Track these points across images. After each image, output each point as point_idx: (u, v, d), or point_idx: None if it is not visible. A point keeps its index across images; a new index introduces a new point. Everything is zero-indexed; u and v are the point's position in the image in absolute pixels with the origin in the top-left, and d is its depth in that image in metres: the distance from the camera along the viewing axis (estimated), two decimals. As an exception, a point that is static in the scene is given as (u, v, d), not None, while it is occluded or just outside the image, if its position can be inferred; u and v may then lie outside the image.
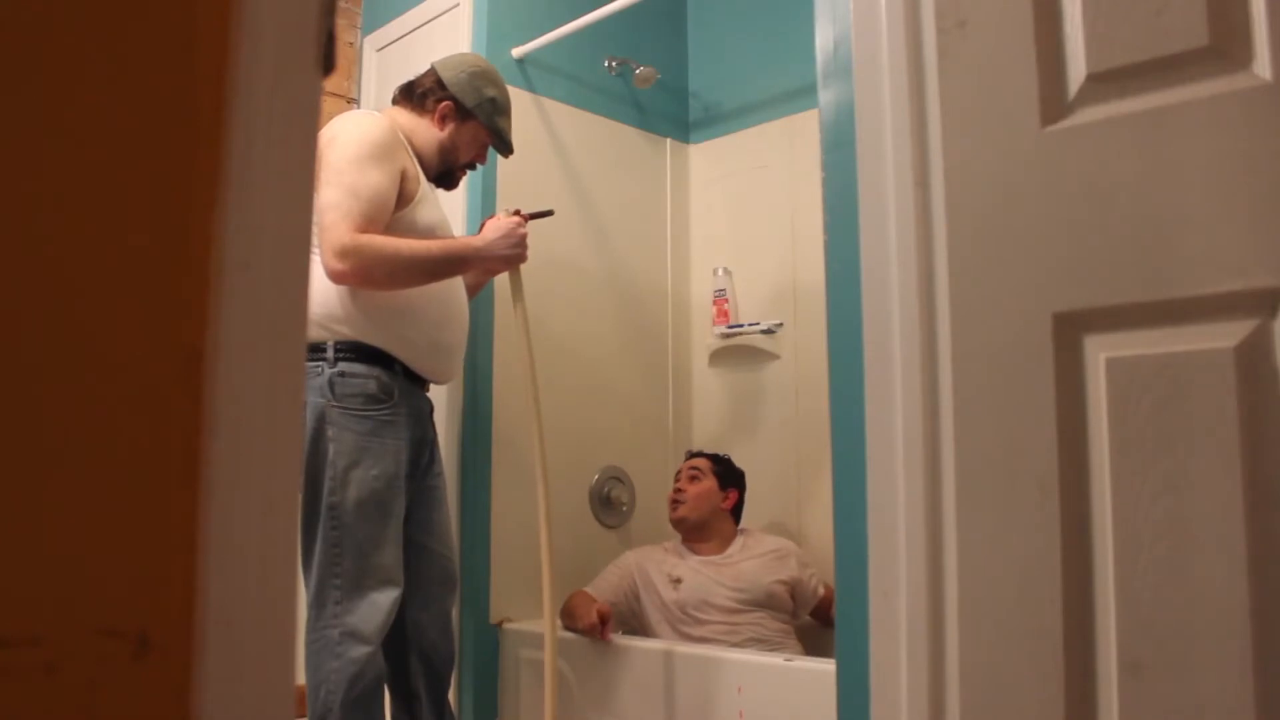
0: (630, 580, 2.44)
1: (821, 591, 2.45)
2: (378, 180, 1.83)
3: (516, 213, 2.12)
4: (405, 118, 2.05)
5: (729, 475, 2.58)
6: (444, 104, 2.03)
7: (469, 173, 2.16)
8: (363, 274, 1.79)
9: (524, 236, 1.97)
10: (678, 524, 2.51)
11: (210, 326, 0.35)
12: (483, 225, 2.10)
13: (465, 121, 2.03)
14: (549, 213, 2.22)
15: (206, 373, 0.35)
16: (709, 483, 2.53)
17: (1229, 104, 0.92)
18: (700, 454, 2.64)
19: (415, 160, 1.99)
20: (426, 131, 2.03)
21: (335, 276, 1.80)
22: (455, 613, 2.18)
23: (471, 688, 2.38)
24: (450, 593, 2.08)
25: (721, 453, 2.64)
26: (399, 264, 1.81)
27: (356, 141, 1.85)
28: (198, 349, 0.35)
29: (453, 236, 2.03)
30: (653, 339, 2.95)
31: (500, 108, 2.07)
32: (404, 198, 1.90)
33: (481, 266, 1.97)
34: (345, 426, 1.83)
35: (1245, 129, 0.91)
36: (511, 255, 1.96)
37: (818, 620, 2.48)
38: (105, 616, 0.32)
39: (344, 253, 1.76)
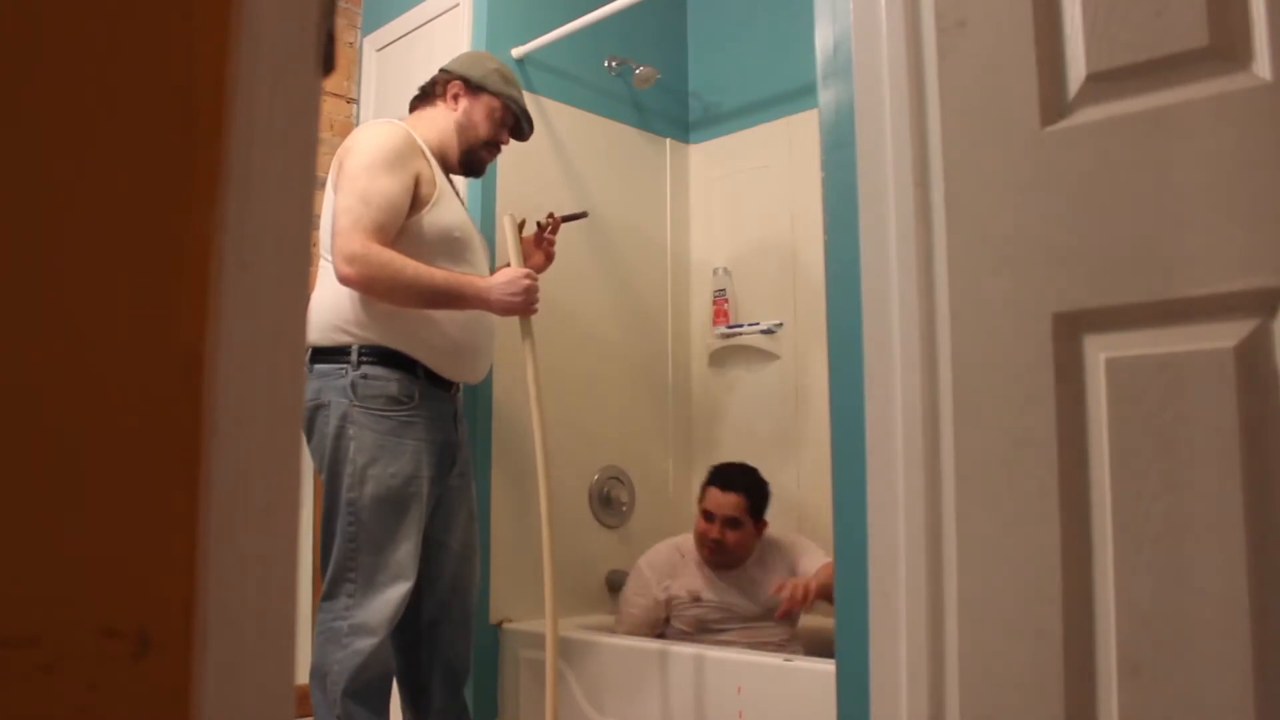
0: (659, 612, 2.38)
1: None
2: (389, 186, 1.90)
3: (550, 216, 2.25)
4: (422, 119, 2.11)
5: (759, 505, 2.40)
6: (452, 83, 2.10)
7: (493, 158, 2.17)
8: (366, 283, 1.87)
9: (527, 288, 1.98)
10: (711, 561, 2.36)
11: (210, 326, 0.35)
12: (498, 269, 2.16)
13: (476, 95, 2.09)
14: (583, 214, 2.34)
15: (206, 373, 0.35)
16: (747, 527, 2.36)
17: (1229, 104, 0.92)
18: (729, 480, 2.38)
19: (433, 163, 2.03)
20: (443, 119, 2.09)
21: (343, 280, 1.88)
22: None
23: (471, 687, 2.37)
24: (466, 593, 2.09)
25: (748, 464, 2.46)
26: (400, 283, 1.87)
27: (369, 150, 1.93)
28: (198, 349, 0.35)
29: (470, 241, 2.05)
30: (653, 339, 2.95)
31: (508, 79, 2.12)
32: (420, 201, 1.96)
33: (481, 308, 1.98)
34: (366, 426, 1.90)
35: (1245, 129, 0.91)
36: (510, 304, 1.97)
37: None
38: (105, 616, 0.32)
39: (352, 259, 1.85)
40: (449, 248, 1.98)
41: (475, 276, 1.97)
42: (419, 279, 1.88)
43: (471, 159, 2.12)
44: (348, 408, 1.90)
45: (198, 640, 0.34)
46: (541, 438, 2.08)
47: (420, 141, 2.04)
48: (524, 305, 2.00)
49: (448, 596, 2.06)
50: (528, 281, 1.99)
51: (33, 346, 0.32)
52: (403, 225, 1.93)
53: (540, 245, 2.25)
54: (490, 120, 2.10)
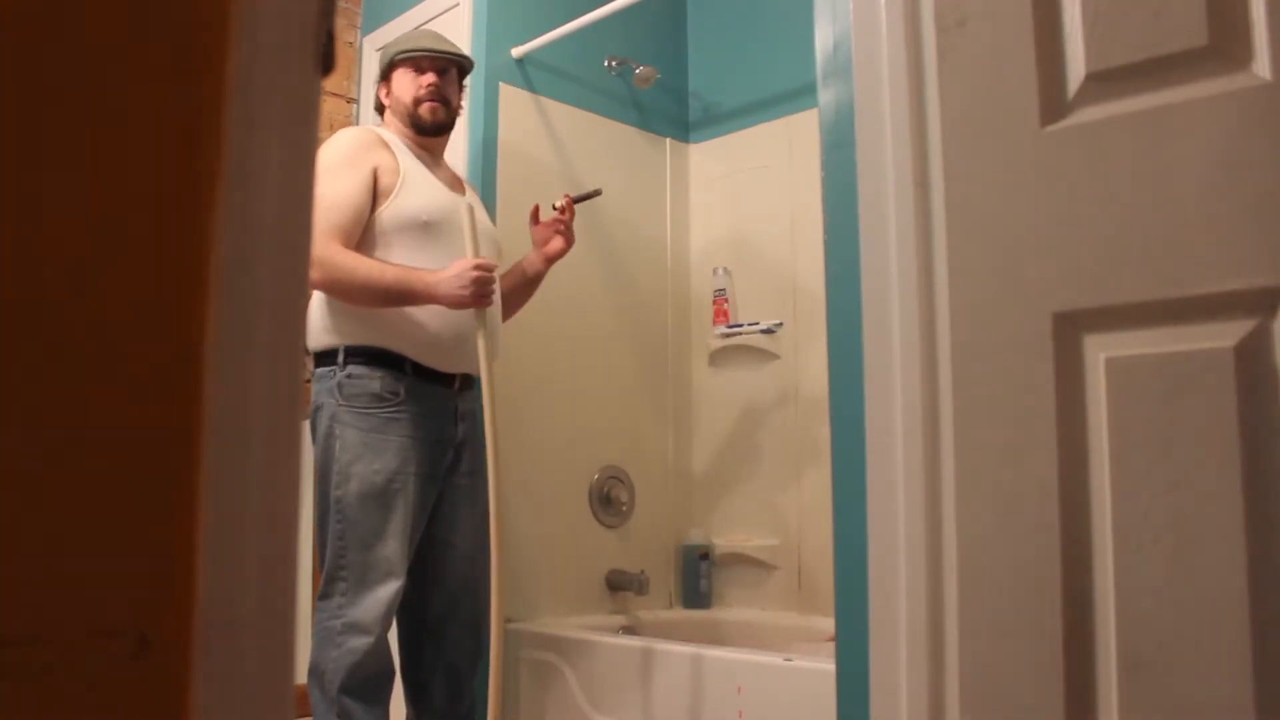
0: None
1: None
2: (343, 187, 1.95)
3: (566, 197, 2.26)
4: (385, 121, 2.21)
5: None
6: (378, 89, 2.24)
7: (441, 106, 2.15)
8: (329, 286, 1.92)
9: (476, 279, 1.92)
10: None
11: (210, 326, 0.35)
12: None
13: (388, 79, 2.19)
14: (597, 192, 2.33)
15: (206, 373, 0.35)
16: None
17: (1229, 104, 0.92)
18: None
19: (399, 152, 2.06)
20: (390, 114, 2.18)
21: (310, 284, 1.91)
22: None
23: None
24: (475, 593, 2.07)
25: None
26: (355, 284, 1.91)
27: (324, 157, 1.98)
28: (197, 349, 0.35)
29: (446, 224, 2.04)
30: (653, 339, 2.95)
31: (399, 42, 2.20)
32: (383, 192, 2.00)
33: (431, 303, 1.96)
34: (350, 424, 1.92)
35: (1245, 129, 0.91)
36: (459, 297, 1.93)
37: None
38: (105, 617, 0.32)
39: (313, 264, 1.88)
40: (417, 234, 1.98)
41: (425, 271, 1.95)
42: (370, 279, 1.90)
43: (416, 122, 2.13)
44: (335, 408, 1.92)
45: (197, 640, 0.34)
46: (493, 437, 2.00)
47: (386, 135, 2.09)
48: (473, 297, 1.93)
49: (455, 596, 2.05)
50: (476, 273, 1.93)
51: (33, 346, 0.32)
52: (369, 220, 1.96)
53: (556, 228, 2.23)
54: (405, 83, 2.15)
